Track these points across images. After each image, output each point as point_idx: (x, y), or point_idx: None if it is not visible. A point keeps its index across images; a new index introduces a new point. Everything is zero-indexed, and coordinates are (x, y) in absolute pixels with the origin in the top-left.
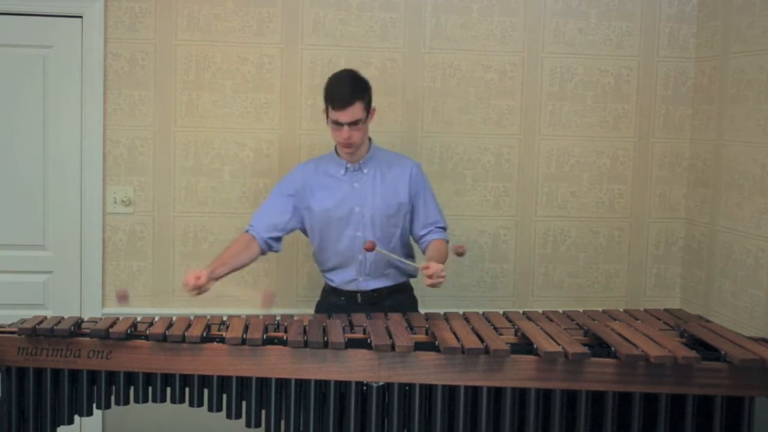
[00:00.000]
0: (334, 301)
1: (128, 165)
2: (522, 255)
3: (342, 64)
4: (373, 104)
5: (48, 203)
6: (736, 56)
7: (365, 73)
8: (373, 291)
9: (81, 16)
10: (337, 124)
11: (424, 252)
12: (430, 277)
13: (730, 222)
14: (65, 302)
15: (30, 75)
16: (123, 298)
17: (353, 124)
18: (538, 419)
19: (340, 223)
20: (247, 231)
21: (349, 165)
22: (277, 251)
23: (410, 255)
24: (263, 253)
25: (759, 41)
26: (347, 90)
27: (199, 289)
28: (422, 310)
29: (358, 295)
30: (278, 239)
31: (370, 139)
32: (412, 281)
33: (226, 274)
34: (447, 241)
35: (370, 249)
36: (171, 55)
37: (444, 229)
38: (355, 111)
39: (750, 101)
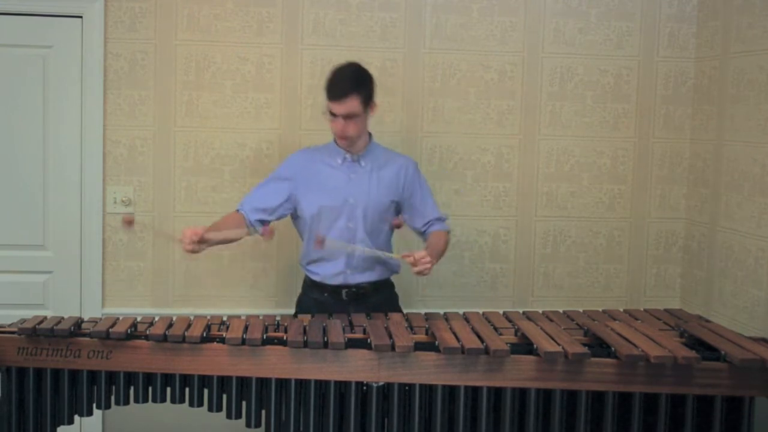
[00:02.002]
0: (317, 297)
1: (128, 165)
2: (522, 255)
3: None
4: (376, 99)
5: (48, 203)
6: (736, 56)
7: None
8: (359, 286)
9: (81, 16)
10: (333, 115)
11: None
12: (414, 264)
13: (730, 222)
14: (65, 302)
15: (30, 75)
16: (129, 223)
17: (348, 117)
18: (538, 419)
19: (332, 212)
20: (237, 210)
21: (347, 155)
22: (259, 234)
23: (390, 251)
24: (249, 233)
25: (759, 41)
26: (345, 83)
27: (194, 249)
28: (422, 310)
29: (343, 291)
30: (264, 222)
31: (370, 134)
32: (396, 279)
33: (217, 241)
34: (448, 231)
35: (321, 242)
36: (171, 55)
37: (443, 219)
38: (351, 104)
39: (750, 101)
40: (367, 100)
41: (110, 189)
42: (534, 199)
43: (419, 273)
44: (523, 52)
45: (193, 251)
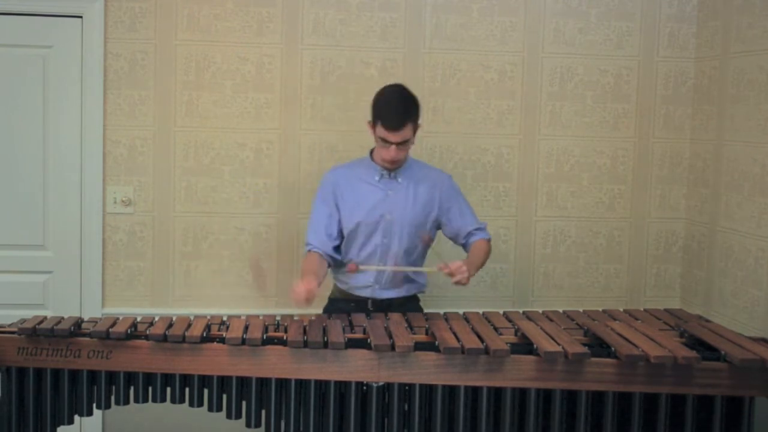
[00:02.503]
0: (343, 308)
1: (128, 165)
2: (522, 255)
3: (342, 64)
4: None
5: (48, 203)
6: (736, 56)
7: (365, 73)
8: (384, 300)
9: (81, 16)
10: (385, 142)
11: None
12: (451, 275)
13: (730, 222)
14: (65, 302)
15: (30, 75)
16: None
17: (402, 143)
18: (538, 419)
19: (368, 228)
20: (309, 251)
21: (384, 172)
22: (339, 259)
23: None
24: (329, 266)
25: (759, 41)
26: (401, 111)
27: (310, 299)
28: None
29: (369, 301)
30: (338, 248)
31: None
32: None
33: (319, 284)
34: (489, 239)
35: (353, 270)
36: (171, 55)
37: (483, 228)
38: (406, 133)
39: (750, 101)
40: (416, 125)
41: (110, 189)
42: (534, 199)
43: (457, 283)
44: (523, 52)
45: (311, 301)
